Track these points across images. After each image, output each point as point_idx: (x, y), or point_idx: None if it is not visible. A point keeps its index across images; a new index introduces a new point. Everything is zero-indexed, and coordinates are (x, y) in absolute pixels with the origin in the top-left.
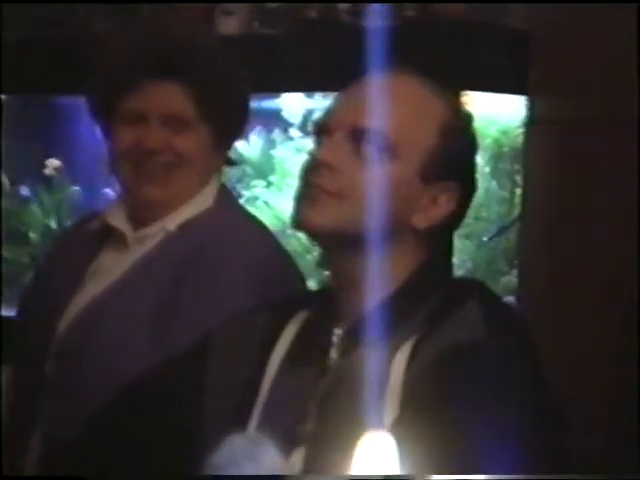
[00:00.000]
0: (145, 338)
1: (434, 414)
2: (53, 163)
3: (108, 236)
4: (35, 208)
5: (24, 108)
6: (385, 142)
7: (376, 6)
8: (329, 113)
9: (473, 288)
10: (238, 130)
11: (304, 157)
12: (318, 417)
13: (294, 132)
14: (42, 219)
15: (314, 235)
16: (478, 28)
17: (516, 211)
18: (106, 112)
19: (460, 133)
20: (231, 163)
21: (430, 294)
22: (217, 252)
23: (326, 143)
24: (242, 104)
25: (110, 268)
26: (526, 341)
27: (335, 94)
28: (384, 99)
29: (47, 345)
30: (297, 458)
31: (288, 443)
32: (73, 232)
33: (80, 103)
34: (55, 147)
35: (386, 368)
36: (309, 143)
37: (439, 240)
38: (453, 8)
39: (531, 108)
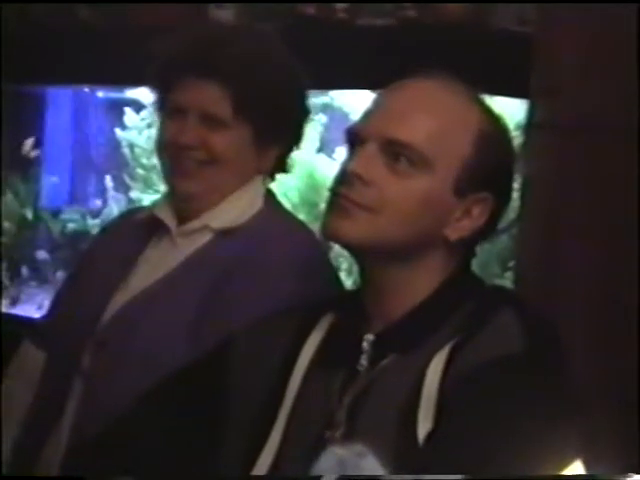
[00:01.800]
0: (185, 338)
1: (472, 428)
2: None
3: (154, 230)
4: (10, 198)
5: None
6: (419, 155)
7: (374, 5)
8: (363, 121)
9: (506, 297)
10: (286, 132)
11: (294, 155)
12: (347, 424)
13: None
14: (18, 209)
15: (344, 246)
16: (478, 29)
17: (512, 214)
18: (158, 106)
19: (496, 142)
20: (285, 170)
21: (462, 302)
22: (264, 258)
23: (359, 154)
24: (289, 104)
25: (156, 263)
26: (561, 351)
27: (369, 97)
28: (419, 108)
29: (87, 336)
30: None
31: (316, 449)
32: (119, 223)
33: (56, 93)
34: (32, 137)
35: (418, 377)
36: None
37: (470, 249)
38: (453, 9)
39: (531, 112)
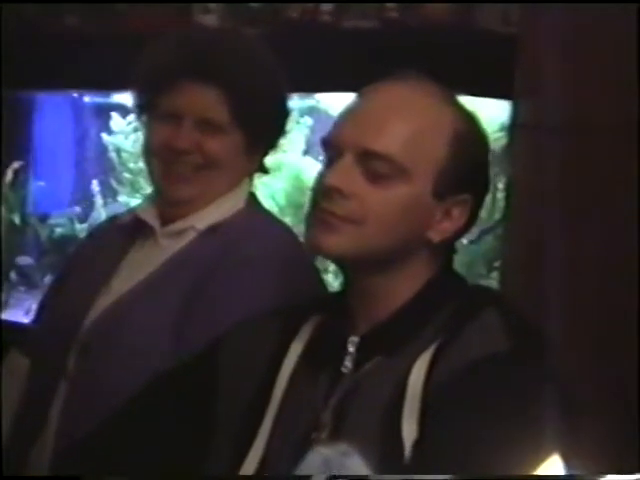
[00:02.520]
0: (170, 338)
1: (458, 427)
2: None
3: (138, 232)
4: None
5: None
6: (397, 165)
7: (358, 7)
8: (338, 130)
9: (489, 296)
10: (273, 136)
11: (280, 157)
12: (333, 426)
13: None
14: (6, 214)
15: (331, 260)
16: (461, 30)
17: (497, 215)
18: (146, 110)
19: (471, 141)
20: (265, 171)
21: (445, 302)
22: (245, 254)
23: (336, 167)
24: (278, 109)
25: (139, 265)
26: (544, 350)
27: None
28: (393, 115)
29: (71, 340)
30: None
31: (302, 450)
32: (104, 227)
33: (43, 98)
34: (19, 142)
35: (403, 378)
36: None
37: (451, 249)
38: (436, 9)
39: (515, 112)
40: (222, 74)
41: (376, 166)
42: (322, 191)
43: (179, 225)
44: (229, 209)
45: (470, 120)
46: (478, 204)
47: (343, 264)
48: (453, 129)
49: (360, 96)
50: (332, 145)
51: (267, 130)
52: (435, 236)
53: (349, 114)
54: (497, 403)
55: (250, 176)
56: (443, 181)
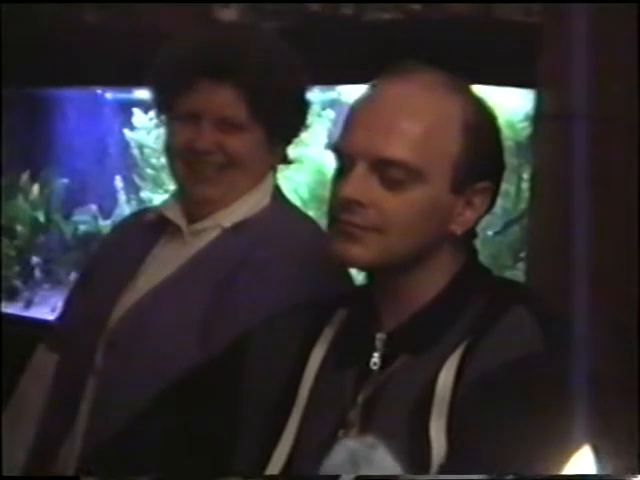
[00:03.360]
0: (196, 336)
1: (490, 428)
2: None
3: (163, 229)
4: (21, 201)
5: (9, 100)
6: (411, 169)
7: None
8: (347, 138)
9: (519, 294)
10: (294, 129)
11: (302, 150)
12: (360, 424)
13: None
14: (30, 212)
15: (357, 269)
16: (484, 20)
17: (522, 205)
18: (164, 110)
19: (482, 129)
20: (288, 162)
21: (472, 297)
22: (272, 250)
23: (350, 177)
24: (297, 102)
25: (165, 261)
26: (573, 348)
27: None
28: (401, 116)
29: (98, 336)
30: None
31: (329, 449)
32: (128, 224)
33: (65, 95)
34: (42, 140)
35: (432, 377)
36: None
37: (473, 235)
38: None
39: (540, 101)
40: (238, 71)
41: (391, 173)
42: (340, 203)
43: (205, 223)
44: (255, 205)
45: (479, 107)
46: (497, 187)
47: (369, 271)
48: (463, 120)
49: (365, 96)
50: (343, 153)
51: (287, 124)
52: (458, 228)
53: (356, 120)
54: (530, 404)
55: (273, 169)
56: (460, 175)
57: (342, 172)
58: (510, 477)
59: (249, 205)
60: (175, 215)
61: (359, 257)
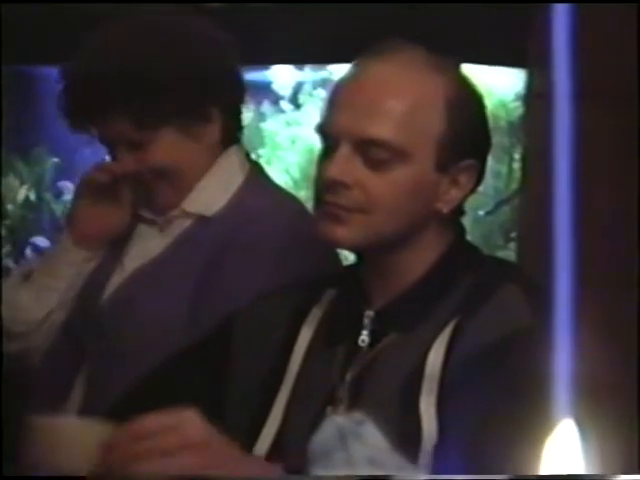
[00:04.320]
0: (184, 315)
1: (481, 404)
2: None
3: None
4: (12, 180)
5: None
6: (395, 149)
7: None
8: (330, 119)
9: (508, 272)
10: (239, 102)
11: (294, 130)
12: (349, 401)
13: (284, 105)
14: (21, 191)
15: (344, 249)
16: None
17: (514, 185)
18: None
19: (465, 105)
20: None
21: (461, 275)
22: (252, 231)
23: (335, 158)
24: (236, 80)
25: (148, 244)
26: (561, 324)
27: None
28: (384, 96)
29: (89, 319)
30: None
31: (318, 425)
32: None
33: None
34: (33, 119)
35: (421, 355)
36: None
37: (460, 213)
38: None
39: (531, 81)
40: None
41: (375, 153)
42: (325, 184)
43: (176, 212)
44: (223, 190)
45: (463, 85)
46: (483, 165)
47: (356, 251)
48: (446, 99)
49: (348, 75)
50: (327, 134)
51: (233, 104)
52: (444, 207)
53: (339, 99)
54: (519, 381)
55: (226, 147)
56: (444, 153)
57: (327, 153)
58: (505, 477)
59: (216, 190)
60: (145, 211)
61: (345, 238)
